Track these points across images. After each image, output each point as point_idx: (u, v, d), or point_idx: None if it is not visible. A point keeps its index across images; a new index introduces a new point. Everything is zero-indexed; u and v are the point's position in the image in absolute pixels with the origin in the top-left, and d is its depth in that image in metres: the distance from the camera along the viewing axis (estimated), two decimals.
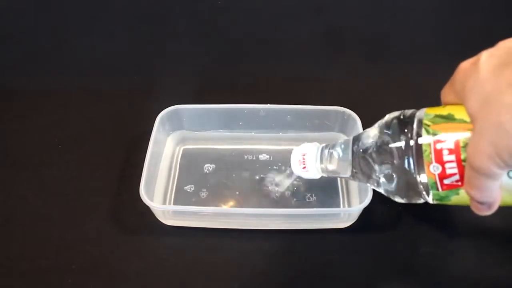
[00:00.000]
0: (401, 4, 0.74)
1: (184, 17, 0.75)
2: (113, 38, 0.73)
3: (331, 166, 0.45)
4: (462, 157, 0.34)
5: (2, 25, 0.74)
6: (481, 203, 0.35)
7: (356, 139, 0.43)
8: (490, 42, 0.35)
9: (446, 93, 0.39)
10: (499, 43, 0.35)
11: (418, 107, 0.39)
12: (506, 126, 0.30)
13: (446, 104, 0.39)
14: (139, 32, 0.74)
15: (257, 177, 0.55)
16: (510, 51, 0.33)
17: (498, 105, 0.31)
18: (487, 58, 0.34)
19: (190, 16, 0.75)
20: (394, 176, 0.39)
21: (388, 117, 0.40)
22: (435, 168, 0.35)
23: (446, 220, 0.51)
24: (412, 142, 0.37)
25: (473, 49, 0.77)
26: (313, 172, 0.46)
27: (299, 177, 0.50)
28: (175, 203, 0.53)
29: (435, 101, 0.64)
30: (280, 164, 0.56)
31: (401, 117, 0.39)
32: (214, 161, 0.57)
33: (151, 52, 0.73)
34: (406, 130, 0.37)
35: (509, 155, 0.31)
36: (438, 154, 0.35)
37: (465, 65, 0.36)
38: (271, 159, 0.57)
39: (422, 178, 0.37)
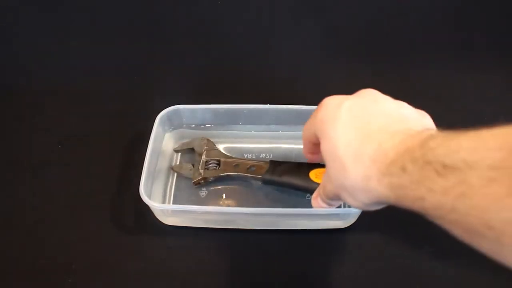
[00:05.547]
0: (401, 4, 0.74)
1: (184, 17, 0.75)
2: (113, 38, 0.73)
3: None
4: None
5: (2, 25, 0.74)
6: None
7: None
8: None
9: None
10: (362, 92, 0.36)
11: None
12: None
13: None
14: (139, 32, 0.74)
15: (258, 176, 0.55)
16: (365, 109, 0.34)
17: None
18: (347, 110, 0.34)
19: (190, 16, 0.75)
20: None
21: None
22: None
23: None
24: None
25: (473, 49, 0.77)
26: None
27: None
28: (175, 202, 0.53)
29: (435, 101, 0.64)
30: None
31: None
32: None
33: (151, 52, 0.73)
34: None
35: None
36: None
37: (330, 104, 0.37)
38: (271, 157, 0.57)
39: None
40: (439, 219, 0.28)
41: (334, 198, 0.39)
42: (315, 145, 0.41)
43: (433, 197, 0.27)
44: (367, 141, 0.32)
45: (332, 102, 0.36)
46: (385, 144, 0.31)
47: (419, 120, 0.34)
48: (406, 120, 0.33)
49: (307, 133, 0.40)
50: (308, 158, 0.46)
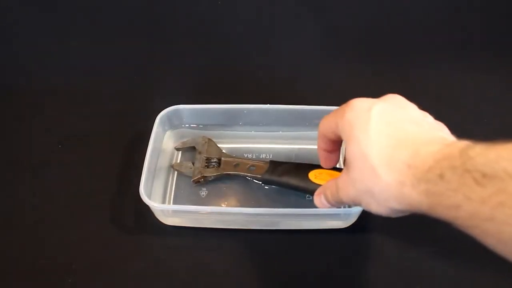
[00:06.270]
0: (401, 4, 0.74)
1: (184, 17, 0.75)
2: (113, 38, 0.73)
3: None
4: None
5: (2, 25, 0.74)
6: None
7: None
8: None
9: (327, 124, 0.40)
10: (389, 97, 0.36)
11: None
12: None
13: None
14: (139, 32, 0.74)
15: (257, 176, 0.55)
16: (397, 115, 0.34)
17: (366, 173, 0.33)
18: (378, 113, 0.34)
19: (190, 16, 0.75)
20: None
21: None
22: None
23: None
24: None
25: (473, 49, 0.77)
26: None
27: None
28: (175, 202, 0.53)
29: (435, 101, 0.64)
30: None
31: None
32: None
33: (151, 52, 0.73)
34: None
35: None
36: None
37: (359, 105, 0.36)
38: (271, 158, 0.57)
39: None
40: (472, 228, 0.28)
41: (348, 203, 0.39)
42: (332, 141, 0.41)
43: (470, 205, 0.27)
44: (401, 147, 0.32)
45: (361, 105, 0.35)
46: (422, 151, 0.31)
47: (443, 131, 0.34)
48: (436, 129, 0.34)
49: (325, 128, 0.40)
50: (322, 155, 0.44)
